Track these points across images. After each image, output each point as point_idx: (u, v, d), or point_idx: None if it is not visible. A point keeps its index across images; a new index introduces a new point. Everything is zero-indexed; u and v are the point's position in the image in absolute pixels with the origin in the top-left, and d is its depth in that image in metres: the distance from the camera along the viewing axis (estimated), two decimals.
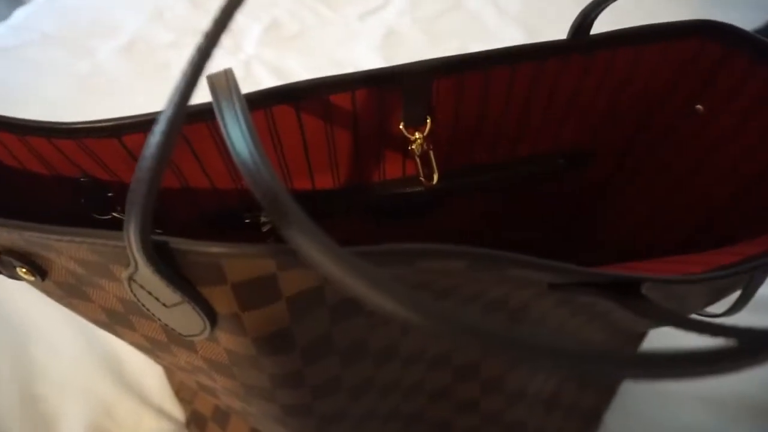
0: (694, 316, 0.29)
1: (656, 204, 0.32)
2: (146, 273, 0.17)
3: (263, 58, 0.76)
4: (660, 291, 0.21)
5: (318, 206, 0.29)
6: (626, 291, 0.20)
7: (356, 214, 0.32)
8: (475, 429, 0.33)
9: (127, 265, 0.17)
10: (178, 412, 0.38)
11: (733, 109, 0.27)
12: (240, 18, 0.86)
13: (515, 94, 0.28)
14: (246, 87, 0.21)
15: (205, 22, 0.85)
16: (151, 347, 0.25)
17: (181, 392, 0.37)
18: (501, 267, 0.19)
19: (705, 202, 0.30)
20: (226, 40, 0.80)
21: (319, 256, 0.14)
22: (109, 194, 0.27)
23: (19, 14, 0.90)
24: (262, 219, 0.29)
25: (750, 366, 0.13)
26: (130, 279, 0.18)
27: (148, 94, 0.72)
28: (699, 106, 0.29)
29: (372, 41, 0.79)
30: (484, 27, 0.83)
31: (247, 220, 0.28)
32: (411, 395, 0.29)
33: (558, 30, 0.30)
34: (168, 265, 0.17)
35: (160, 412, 0.38)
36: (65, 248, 0.18)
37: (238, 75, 0.77)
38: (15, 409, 0.38)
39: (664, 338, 0.42)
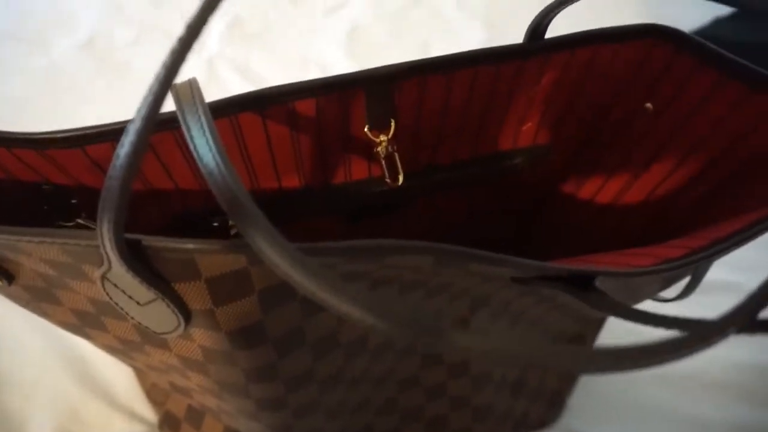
0: (647, 301, 0.31)
1: (612, 198, 0.34)
2: (120, 271, 0.17)
3: (227, 56, 0.75)
4: (613, 282, 0.23)
5: (285, 209, 0.30)
6: (581, 284, 0.22)
7: (323, 215, 0.32)
8: (444, 415, 0.34)
9: (100, 264, 0.18)
10: (149, 413, 0.38)
11: (678, 107, 0.29)
12: None
13: (475, 96, 0.29)
14: (210, 87, 0.22)
15: (165, 19, 0.84)
16: (123, 348, 0.25)
17: (152, 394, 0.37)
18: (463, 262, 0.20)
19: (657, 195, 0.31)
20: None
21: (276, 257, 0.15)
22: (73, 201, 0.27)
23: None
24: (230, 222, 0.29)
25: (690, 354, 0.15)
26: (104, 278, 0.18)
27: (108, 92, 0.70)
28: (648, 105, 0.30)
29: (336, 37, 0.79)
30: (446, 22, 0.84)
31: (215, 224, 0.29)
32: (381, 384, 0.30)
33: (518, 25, 0.31)
34: (141, 262, 0.17)
35: (132, 415, 0.38)
36: (35, 250, 0.18)
37: (202, 74, 0.76)
38: None
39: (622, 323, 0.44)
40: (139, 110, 0.15)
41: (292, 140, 0.27)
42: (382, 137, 0.28)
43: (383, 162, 0.29)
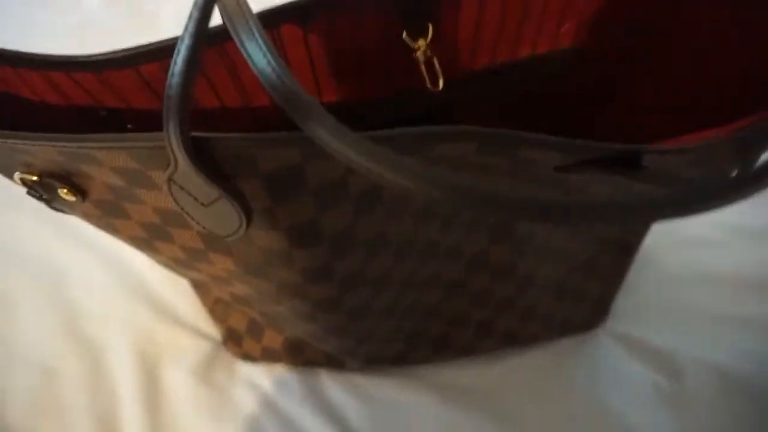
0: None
1: (662, 95, 0.33)
2: (186, 170, 0.18)
3: None
4: (660, 164, 0.23)
5: None
6: (628, 163, 0.22)
7: (365, 130, 0.33)
8: (490, 319, 0.35)
9: (167, 166, 0.19)
10: (213, 331, 0.41)
11: None
12: None
13: None
14: None
15: None
16: (188, 259, 0.27)
17: (215, 312, 0.39)
18: (511, 146, 0.21)
19: (711, 87, 0.31)
20: None
21: (336, 142, 0.16)
22: (129, 126, 0.29)
23: None
24: None
25: (728, 201, 0.15)
26: (170, 180, 0.19)
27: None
28: None
29: None
30: None
31: None
32: (428, 288, 0.31)
33: None
34: (204, 160, 0.18)
35: (197, 333, 0.41)
36: (106, 158, 0.20)
37: None
38: (63, 345, 0.40)
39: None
40: (195, 4, 0.16)
41: (333, 51, 0.28)
42: (421, 42, 0.28)
43: (423, 68, 0.29)
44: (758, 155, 0.27)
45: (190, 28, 0.16)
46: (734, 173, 0.28)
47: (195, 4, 0.17)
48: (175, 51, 0.17)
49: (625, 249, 0.37)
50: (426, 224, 0.26)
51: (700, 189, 0.14)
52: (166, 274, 0.44)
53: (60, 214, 0.27)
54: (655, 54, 0.32)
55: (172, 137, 0.17)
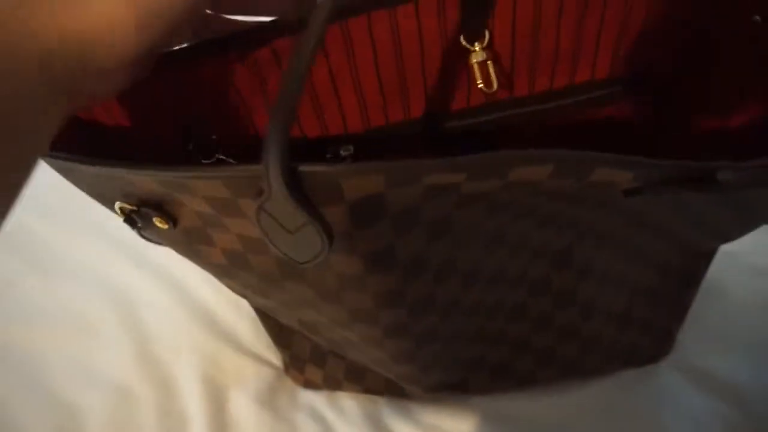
0: None
1: (720, 115, 0.33)
2: (279, 198, 0.19)
3: None
4: (735, 177, 0.23)
5: (392, 143, 0.32)
6: (703, 180, 0.22)
7: (426, 147, 0.34)
8: (551, 347, 0.35)
9: (255, 196, 0.20)
10: (275, 358, 0.42)
11: None
12: None
13: (567, 10, 0.30)
14: None
15: None
16: (263, 287, 0.28)
17: (278, 338, 0.40)
18: (587, 168, 0.21)
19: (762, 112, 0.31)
20: None
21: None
22: (213, 137, 0.31)
23: None
24: (342, 153, 0.31)
25: None
26: (260, 208, 0.20)
27: None
28: (756, 17, 0.29)
29: None
30: None
31: (328, 155, 0.31)
32: (492, 314, 0.31)
33: None
34: (296, 188, 0.19)
35: (260, 360, 0.42)
36: (200, 187, 0.21)
37: None
38: (137, 367, 0.42)
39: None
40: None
41: (396, 54, 0.29)
42: (477, 45, 0.30)
43: (477, 69, 0.30)
44: None
45: (302, 58, 0.18)
46: None
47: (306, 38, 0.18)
48: (285, 73, 0.18)
49: (690, 278, 0.37)
50: (494, 251, 0.27)
51: None
52: (230, 301, 0.45)
53: (134, 244, 0.28)
54: (711, 76, 0.32)
55: (272, 167, 0.18)
